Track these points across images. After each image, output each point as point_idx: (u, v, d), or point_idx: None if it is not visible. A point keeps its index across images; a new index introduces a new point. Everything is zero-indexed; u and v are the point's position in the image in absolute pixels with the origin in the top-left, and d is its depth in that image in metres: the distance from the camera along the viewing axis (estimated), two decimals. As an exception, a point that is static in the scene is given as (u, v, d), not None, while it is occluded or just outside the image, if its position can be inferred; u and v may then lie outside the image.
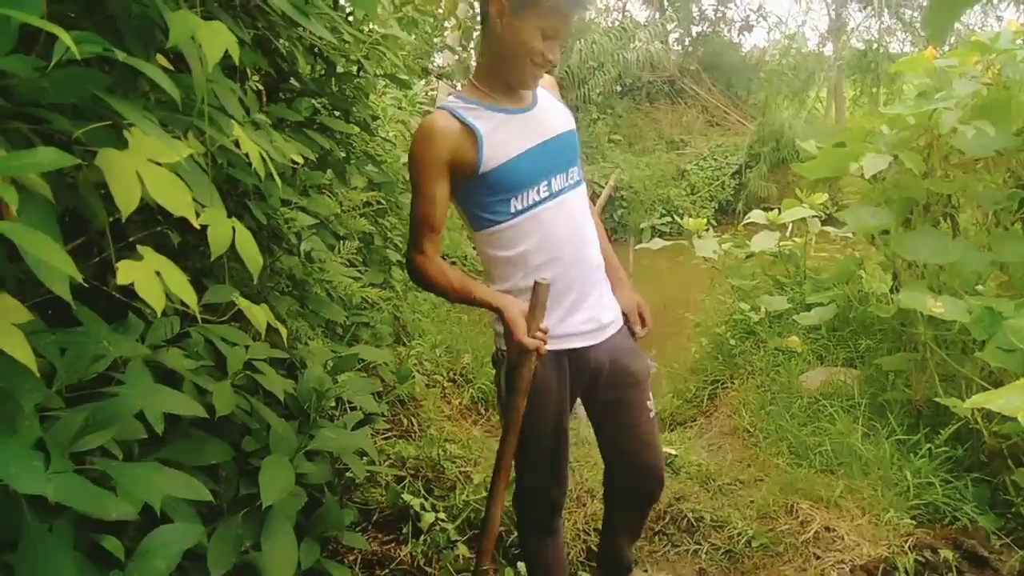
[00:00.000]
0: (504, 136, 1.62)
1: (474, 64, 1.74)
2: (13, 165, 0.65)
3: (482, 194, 1.64)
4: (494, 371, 1.81)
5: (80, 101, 0.79)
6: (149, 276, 0.78)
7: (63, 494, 0.79)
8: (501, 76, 1.65)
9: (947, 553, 2.08)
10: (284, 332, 1.15)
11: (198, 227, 0.86)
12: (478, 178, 1.61)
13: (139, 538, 1.20)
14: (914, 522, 2.33)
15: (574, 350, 1.73)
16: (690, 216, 5.84)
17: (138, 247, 0.82)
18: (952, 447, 2.49)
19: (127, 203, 0.74)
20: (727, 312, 4.51)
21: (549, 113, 1.74)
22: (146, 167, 0.77)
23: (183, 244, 1.58)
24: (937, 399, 2.47)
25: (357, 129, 2.64)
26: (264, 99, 2.05)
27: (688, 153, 13.31)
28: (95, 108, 0.81)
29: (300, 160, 1.89)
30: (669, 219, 11.04)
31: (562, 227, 1.68)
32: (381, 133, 4.11)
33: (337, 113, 2.36)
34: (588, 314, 1.73)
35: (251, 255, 0.96)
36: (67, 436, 0.95)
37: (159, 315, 0.80)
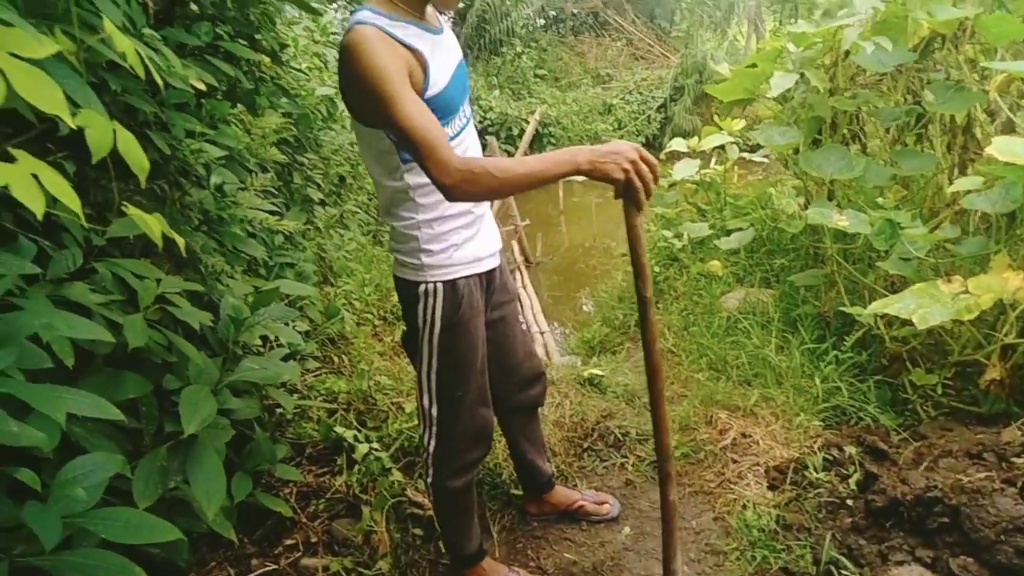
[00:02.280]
0: (439, 60, 1.51)
1: None
2: None
3: None
4: (408, 306, 1.72)
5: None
6: (25, 178, 0.75)
7: (-38, 415, 0.77)
8: None
9: (851, 449, 2.24)
10: (181, 243, 1.11)
11: (73, 127, 0.82)
12: None
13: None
14: (822, 424, 2.49)
15: (490, 271, 1.78)
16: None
17: (10, 149, 0.78)
18: (857, 353, 2.65)
19: (-8, 99, 0.71)
20: (651, 241, 4.61)
21: (451, 37, 1.66)
22: (9, 61, 0.73)
23: (79, 175, 1.52)
24: (843, 309, 2.61)
25: (265, 58, 2.55)
26: (151, 18, 1.96)
27: (614, 87, 13.30)
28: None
29: (203, 87, 1.82)
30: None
31: (475, 151, 1.69)
32: (293, 64, 3.96)
33: (242, 40, 2.27)
34: (494, 235, 1.80)
35: (135, 158, 0.93)
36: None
37: (40, 217, 0.77)
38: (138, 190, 1.83)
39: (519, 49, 13.60)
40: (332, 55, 5.33)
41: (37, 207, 0.76)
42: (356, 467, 2.33)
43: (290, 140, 3.66)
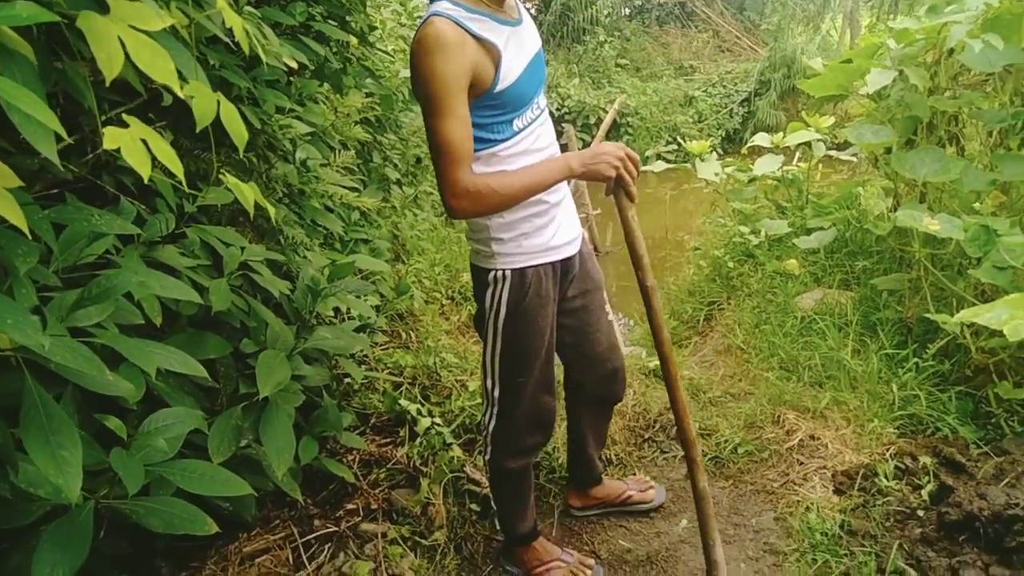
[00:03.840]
0: (513, 52, 1.52)
1: None
2: (-8, 19, 0.65)
3: (487, 113, 1.53)
4: (479, 292, 1.76)
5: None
6: (135, 143, 0.79)
7: (59, 354, 0.82)
8: None
9: (926, 459, 2.15)
10: (272, 212, 1.15)
11: (182, 96, 0.86)
12: (491, 96, 1.50)
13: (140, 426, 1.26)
14: (897, 432, 2.39)
15: (566, 259, 1.77)
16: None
17: (124, 116, 0.82)
18: (939, 362, 2.54)
19: (110, 67, 0.75)
20: (727, 236, 4.51)
21: (531, 27, 1.67)
22: (128, 32, 0.77)
23: (175, 144, 1.59)
24: (928, 315, 2.50)
25: (354, 39, 2.59)
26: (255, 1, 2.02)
27: (697, 79, 13.00)
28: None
29: (294, 65, 1.88)
30: (675, 146, 10.90)
31: (548, 141, 1.69)
32: (380, 46, 4.03)
33: (333, 21, 2.32)
34: (572, 223, 1.79)
35: (236, 129, 0.97)
36: (64, 308, 0.98)
37: (146, 179, 0.81)
38: (228, 160, 1.90)
39: (602, 38, 13.43)
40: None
41: (144, 170, 0.81)
42: (418, 440, 2.37)
43: (371, 120, 3.73)
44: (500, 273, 1.68)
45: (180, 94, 0.85)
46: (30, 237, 0.78)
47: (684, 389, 2.89)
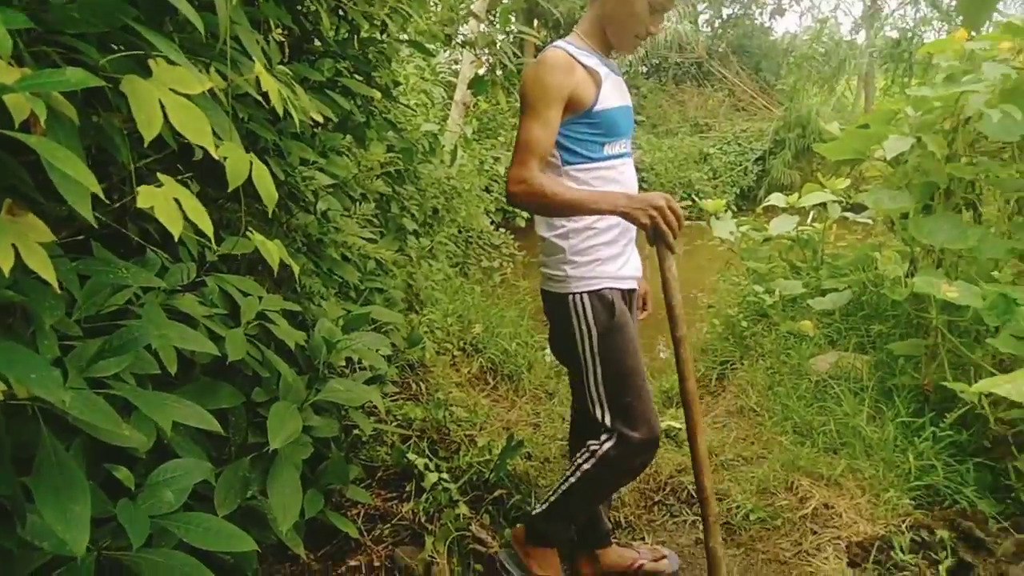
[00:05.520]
0: (611, 87, 1.79)
1: (582, 17, 1.90)
2: (42, 83, 0.68)
3: (585, 131, 1.77)
4: (560, 321, 1.85)
5: (109, 27, 0.82)
6: (168, 201, 0.81)
7: (78, 407, 0.82)
8: (606, 37, 1.83)
9: (943, 533, 2.09)
10: (296, 268, 1.17)
11: (217, 158, 0.88)
12: (589, 115, 1.75)
13: (148, 475, 1.25)
14: (913, 503, 2.34)
15: (631, 290, 1.90)
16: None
17: (159, 175, 0.84)
18: (957, 432, 2.49)
19: (149, 128, 0.77)
20: (741, 294, 4.50)
21: (624, 83, 1.93)
22: (168, 95, 0.80)
23: (202, 195, 1.61)
24: (945, 383, 2.47)
25: (379, 94, 2.65)
26: (286, 55, 2.08)
27: (712, 137, 13.19)
28: (121, 38, 0.84)
29: (320, 119, 1.92)
30: (690, 203, 10.98)
31: (630, 180, 1.90)
32: (403, 100, 4.11)
33: (359, 76, 2.38)
34: (637, 261, 1.93)
35: (267, 188, 0.99)
36: (84, 359, 0.99)
37: (176, 238, 0.82)
38: (249, 211, 1.93)
39: (621, 94, 13.67)
40: (439, 93, 5.52)
41: (175, 228, 0.84)
42: (424, 495, 2.34)
43: (391, 172, 3.79)
44: (579, 297, 1.80)
45: (215, 155, 0.87)
46: (58, 290, 0.79)
47: (697, 451, 2.87)
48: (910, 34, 14.08)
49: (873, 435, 2.63)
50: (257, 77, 1.00)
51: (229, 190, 0.91)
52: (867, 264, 3.77)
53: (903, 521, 2.23)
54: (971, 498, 2.29)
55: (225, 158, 0.91)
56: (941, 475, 2.38)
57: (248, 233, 1.08)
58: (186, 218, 0.88)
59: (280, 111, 1.11)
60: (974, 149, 3.09)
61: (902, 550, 2.10)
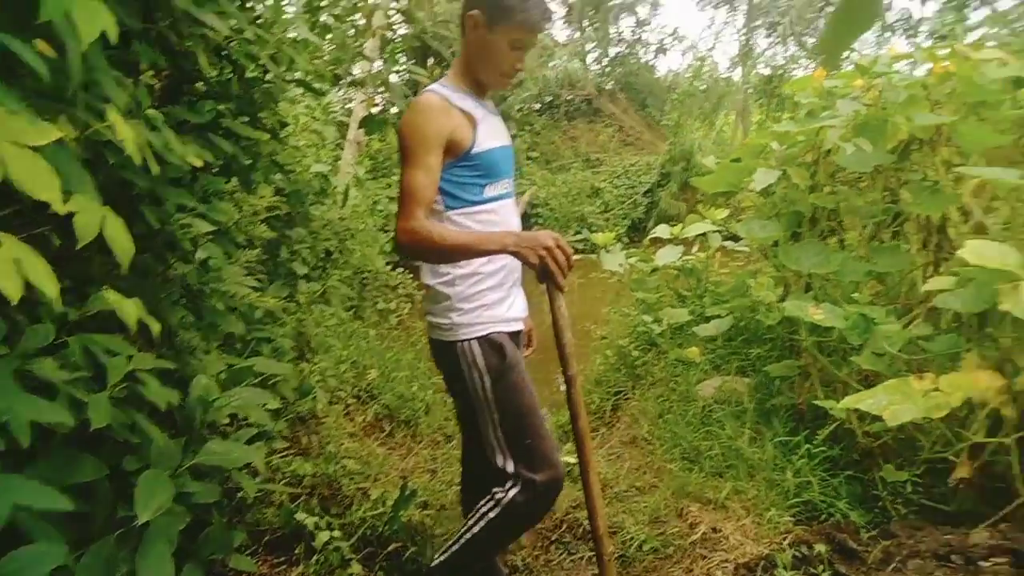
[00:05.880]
0: (488, 127, 1.81)
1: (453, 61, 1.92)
2: None
3: (465, 174, 1.77)
4: (451, 369, 1.83)
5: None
6: (6, 263, 0.75)
7: None
8: (476, 76, 1.84)
9: (821, 547, 2.18)
10: (156, 328, 1.11)
11: (62, 213, 0.83)
12: (467, 157, 1.75)
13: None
14: (793, 519, 2.43)
15: (517, 332, 1.90)
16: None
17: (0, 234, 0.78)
18: (829, 447, 2.61)
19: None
20: (631, 325, 4.61)
21: (502, 122, 1.96)
22: (9, 148, 0.75)
23: (62, 249, 1.51)
24: (817, 402, 2.59)
25: (265, 136, 2.58)
26: (162, 99, 1.99)
27: (603, 171, 13.62)
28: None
29: (199, 163, 1.84)
30: (583, 236, 11.24)
31: (514, 221, 1.91)
32: (292, 141, 4.03)
33: (244, 118, 2.31)
34: (523, 300, 1.94)
35: (121, 244, 0.94)
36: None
37: (14, 302, 0.76)
38: (114, 265, 1.82)
39: (513, 132, 13.93)
40: (330, 132, 5.45)
41: (13, 293, 0.78)
42: (315, 557, 2.23)
43: (279, 215, 3.69)
44: (467, 344, 1.78)
45: (59, 210, 0.82)
46: None
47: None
48: (780, 71, 15.09)
49: (754, 456, 2.73)
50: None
51: (78, 247, 0.86)
52: (744, 291, 3.94)
53: (784, 538, 2.31)
54: (844, 510, 2.39)
55: (73, 213, 0.86)
56: (817, 490, 2.49)
57: (104, 293, 1.01)
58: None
59: (137, 159, 1.06)
60: (835, 179, 3.30)
61: (784, 568, 2.16)
